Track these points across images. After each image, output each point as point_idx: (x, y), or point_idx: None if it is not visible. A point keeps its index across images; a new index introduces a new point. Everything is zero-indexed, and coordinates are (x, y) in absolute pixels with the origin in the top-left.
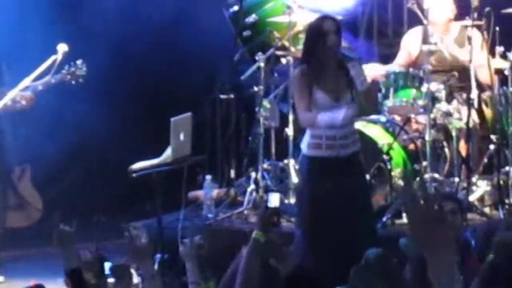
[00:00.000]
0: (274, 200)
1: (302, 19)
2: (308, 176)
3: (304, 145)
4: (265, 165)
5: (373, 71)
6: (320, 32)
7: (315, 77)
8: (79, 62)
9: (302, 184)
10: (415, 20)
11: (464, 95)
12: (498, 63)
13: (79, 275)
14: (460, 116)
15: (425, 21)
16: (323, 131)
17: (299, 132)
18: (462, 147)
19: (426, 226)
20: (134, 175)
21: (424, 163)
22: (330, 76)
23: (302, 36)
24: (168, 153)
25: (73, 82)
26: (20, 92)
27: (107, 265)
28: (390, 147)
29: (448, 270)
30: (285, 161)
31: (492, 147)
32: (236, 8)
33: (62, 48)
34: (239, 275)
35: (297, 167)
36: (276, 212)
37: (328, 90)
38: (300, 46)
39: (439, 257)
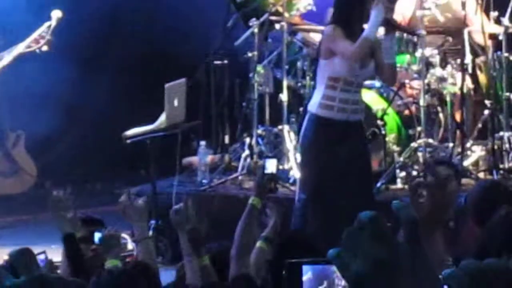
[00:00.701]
0: (270, 166)
1: None
2: (315, 137)
3: (313, 105)
4: (260, 131)
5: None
6: (363, 2)
7: (351, 40)
8: (46, 24)
9: (308, 145)
10: None
11: (458, 60)
12: (493, 28)
13: (73, 240)
14: (454, 81)
15: None
16: (337, 93)
17: (293, 97)
18: (457, 112)
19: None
20: (128, 141)
21: (419, 129)
22: (359, 32)
23: (296, 2)
24: (162, 119)
25: (42, 49)
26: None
27: (97, 235)
28: (384, 112)
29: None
30: (280, 126)
31: (486, 112)
32: None
33: (56, 14)
34: (236, 240)
35: (302, 129)
36: (273, 178)
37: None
38: (294, 12)
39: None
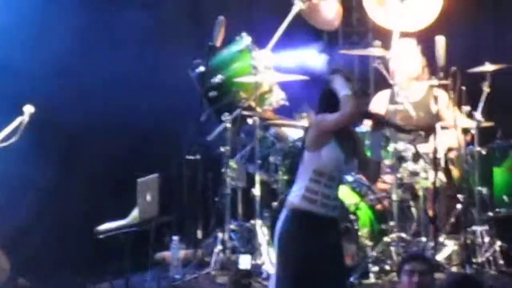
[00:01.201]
0: (245, 262)
1: (268, 79)
2: (296, 229)
3: (295, 197)
4: (232, 226)
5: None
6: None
7: (337, 134)
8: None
9: (287, 238)
10: (381, 79)
11: (431, 155)
12: (465, 122)
13: None
14: (426, 175)
15: (391, 81)
16: (319, 188)
17: (266, 192)
18: (429, 207)
19: None
20: (101, 236)
21: (391, 223)
22: (346, 137)
23: (268, 96)
24: (135, 214)
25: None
26: None
27: None
28: (357, 207)
29: None
30: (252, 221)
31: (459, 206)
32: (202, 68)
33: (29, 109)
34: None
35: (280, 221)
36: (247, 275)
37: (342, 147)
38: (266, 107)
39: None
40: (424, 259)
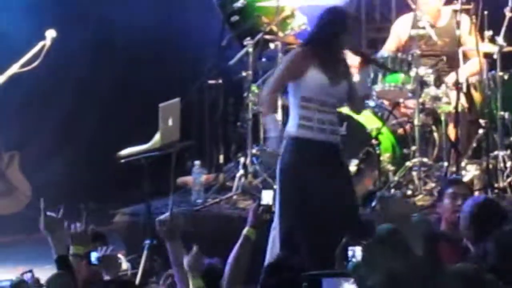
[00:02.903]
0: (266, 197)
1: (290, 4)
2: (296, 159)
3: (291, 127)
4: (254, 150)
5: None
6: (341, 29)
7: (321, 60)
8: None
9: (288, 168)
10: (402, 4)
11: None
12: (487, 47)
13: (66, 262)
14: (448, 100)
15: (413, 6)
16: (314, 113)
17: (288, 116)
18: (451, 132)
19: None
20: (122, 161)
21: (413, 148)
22: (332, 62)
23: (290, 21)
24: (156, 138)
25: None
26: None
27: (94, 255)
28: (379, 131)
29: None
30: None
31: (481, 131)
32: None
33: (51, 33)
34: (227, 269)
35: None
36: (268, 210)
37: (326, 72)
38: (289, 31)
39: None
40: (465, 184)
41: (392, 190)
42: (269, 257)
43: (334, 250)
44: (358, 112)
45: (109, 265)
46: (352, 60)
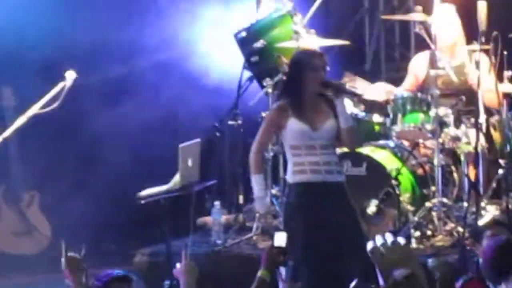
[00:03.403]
0: (280, 239)
1: (310, 44)
2: (296, 203)
3: (288, 176)
4: (274, 191)
5: (376, 94)
6: (309, 68)
7: (295, 109)
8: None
9: (290, 213)
10: (422, 44)
11: (472, 119)
12: (507, 87)
13: None
14: (468, 140)
15: (432, 46)
16: (304, 158)
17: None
18: (471, 172)
19: None
20: (142, 201)
21: (433, 188)
22: (310, 106)
23: None
24: (176, 179)
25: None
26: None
27: None
28: (399, 172)
29: None
30: None
31: (500, 171)
32: (244, 34)
33: (70, 74)
34: None
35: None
36: (282, 252)
37: (306, 118)
38: None
39: None
40: (504, 225)
41: (412, 231)
42: None
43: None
44: (351, 148)
45: None
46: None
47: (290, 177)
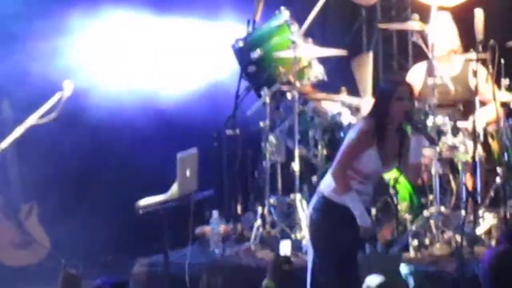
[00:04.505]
0: (285, 248)
1: (307, 54)
2: (326, 221)
3: (326, 188)
4: (272, 200)
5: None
6: (394, 97)
7: (375, 138)
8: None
9: (318, 228)
10: (420, 54)
11: (470, 129)
12: (504, 96)
13: None
14: (466, 149)
15: (430, 55)
16: (355, 184)
17: (305, 167)
18: (468, 180)
19: None
20: (140, 211)
21: (431, 197)
22: (389, 137)
23: (307, 71)
24: (174, 189)
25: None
26: None
27: None
28: (396, 181)
29: None
30: (292, 196)
31: (498, 180)
32: (241, 44)
33: (68, 84)
34: None
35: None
36: (287, 261)
37: (382, 154)
38: (305, 82)
39: None
40: None
41: (410, 239)
42: None
43: None
44: (413, 181)
45: None
46: None
47: (327, 192)
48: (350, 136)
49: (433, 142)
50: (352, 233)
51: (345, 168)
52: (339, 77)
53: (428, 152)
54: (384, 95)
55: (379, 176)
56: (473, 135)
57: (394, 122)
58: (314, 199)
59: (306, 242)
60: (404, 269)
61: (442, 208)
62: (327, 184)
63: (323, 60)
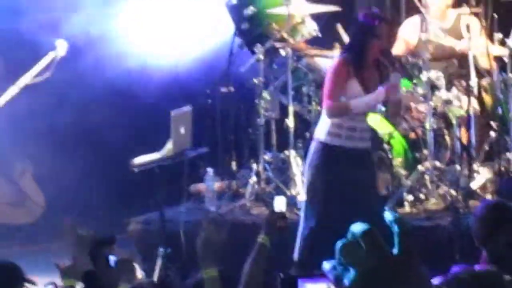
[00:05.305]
0: (280, 204)
1: (300, 11)
2: (324, 165)
3: (321, 133)
4: (266, 157)
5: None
6: (373, 34)
7: (355, 68)
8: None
9: (317, 173)
10: (412, 8)
11: (464, 83)
12: (497, 50)
13: (94, 278)
14: (460, 103)
15: (423, 10)
16: (343, 121)
17: (299, 123)
18: (463, 135)
19: None
20: (135, 169)
21: (425, 152)
22: (368, 70)
23: (301, 28)
24: (169, 146)
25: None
26: None
27: (112, 258)
28: (391, 136)
29: None
30: (286, 152)
31: (492, 134)
32: (234, 1)
33: (61, 43)
34: (243, 277)
35: (307, 155)
36: (282, 217)
37: (361, 81)
38: (299, 38)
39: None
40: None
41: (404, 194)
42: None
43: None
44: (392, 119)
45: (125, 269)
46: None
47: (322, 136)
48: (328, 73)
49: (410, 79)
50: (349, 174)
51: (333, 99)
52: (333, 33)
53: (421, 107)
54: (363, 30)
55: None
56: (467, 89)
57: (371, 58)
58: (311, 144)
59: (302, 197)
60: (388, 216)
61: (437, 163)
62: (322, 130)
63: (316, 17)
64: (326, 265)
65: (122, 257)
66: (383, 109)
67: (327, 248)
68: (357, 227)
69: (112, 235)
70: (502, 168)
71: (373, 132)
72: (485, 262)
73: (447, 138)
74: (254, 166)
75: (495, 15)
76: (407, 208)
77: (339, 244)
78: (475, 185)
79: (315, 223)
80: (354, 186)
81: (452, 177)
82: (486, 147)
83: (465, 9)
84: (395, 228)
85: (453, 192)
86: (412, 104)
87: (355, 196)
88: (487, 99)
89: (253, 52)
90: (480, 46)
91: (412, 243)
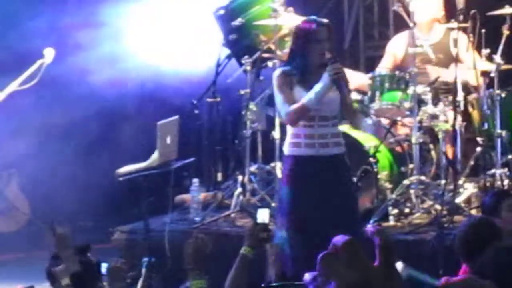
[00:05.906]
0: (263, 216)
1: (288, 22)
2: (289, 176)
3: (285, 147)
4: (252, 168)
5: (357, 80)
6: (312, 39)
7: (298, 77)
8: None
9: (284, 185)
10: (401, 23)
11: (450, 98)
12: (484, 65)
13: (80, 279)
14: (446, 118)
15: (411, 24)
16: (301, 130)
17: (285, 135)
18: (449, 150)
19: None
20: (120, 179)
21: (411, 166)
22: (313, 75)
23: (288, 39)
24: (155, 156)
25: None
26: None
27: (104, 265)
28: (377, 149)
29: None
30: (272, 164)
31: (478, 149)
32: (222, 12)
33: (49, 51)
34: (226, 286)
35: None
36: (265, 228)
37: (307, 87)
38: (286, 50)
39: None
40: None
41: (390, 208)
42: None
43: None
44: (353, 124)
45: (115, 276)
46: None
47: (286, 149)
48: (273, 89)
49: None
50: (319, 184)
51: (288, 105)
52: None
53: (408, 121)
54: (302, 36)
55: (320, 112)
56: (453, 104)
57: (314, 63)
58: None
59: None
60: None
61: (422, 177)
62: (286, 143)
63: None
64: (307, 276)
65: (114, 264)
66: (369, 122)
67: (309, 260)
68: (338, 239)
69: (87, 243)
70: (487, 184)
71: (359, 145)
72: (464, 274)
73: (433, 152)
74: (240, 177)
75: (483, 31)
76: (391, 222)
77: (319, 255)
78: (460, 200)
79: (288, 235)
80: (323, 194)
81: (437, 192)
82: (472, 162)
83: (453, 24)
84: (376, 240)
85: (438, 206)
86: (399, 118)
87: (326, 204)
88: (474, 114)
89: (240, 63)
90: (467, 61)
91: (393, 255)
